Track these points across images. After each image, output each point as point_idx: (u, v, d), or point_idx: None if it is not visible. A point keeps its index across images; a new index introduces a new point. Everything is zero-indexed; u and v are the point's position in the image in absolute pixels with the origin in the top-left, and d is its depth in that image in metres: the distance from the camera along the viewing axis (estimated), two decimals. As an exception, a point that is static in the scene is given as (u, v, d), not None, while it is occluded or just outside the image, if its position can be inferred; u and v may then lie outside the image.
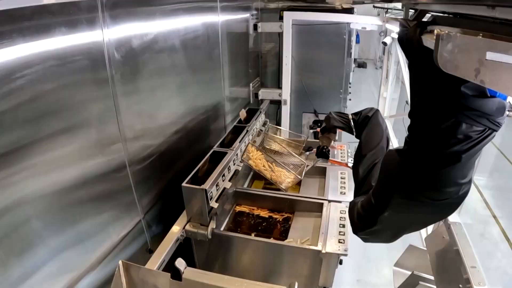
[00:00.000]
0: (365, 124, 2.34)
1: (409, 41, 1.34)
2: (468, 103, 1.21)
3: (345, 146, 3.44)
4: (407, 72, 4.10)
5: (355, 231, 1.94)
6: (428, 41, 1.20)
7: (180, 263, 1.40)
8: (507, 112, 1.26)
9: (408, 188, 1.52)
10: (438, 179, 1.43)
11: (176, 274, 1.40)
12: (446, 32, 1.00)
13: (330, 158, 2.77)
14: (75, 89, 1.47)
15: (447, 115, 1.28)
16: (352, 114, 2.46)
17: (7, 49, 1.14)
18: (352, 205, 2.01)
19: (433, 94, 1.32)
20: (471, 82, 0.91)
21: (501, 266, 4.22)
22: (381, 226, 1.74)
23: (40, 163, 1.33)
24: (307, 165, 2.74)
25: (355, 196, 2.19)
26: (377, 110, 2.38)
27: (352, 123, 2.42)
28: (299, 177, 2.52)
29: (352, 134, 2.45)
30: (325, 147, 2.70)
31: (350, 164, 2.95)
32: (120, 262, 1.42)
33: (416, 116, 1.46)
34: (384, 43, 4.37)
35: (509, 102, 1.28)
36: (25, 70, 1.22)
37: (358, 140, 2.38)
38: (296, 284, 1.36)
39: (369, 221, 1.77)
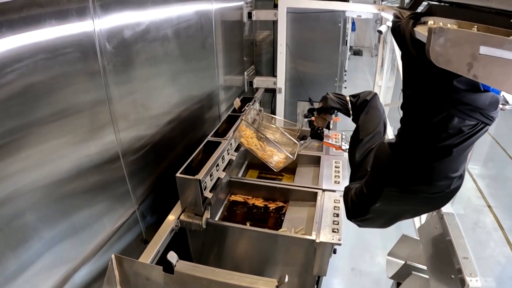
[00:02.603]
0: (363, 107, 2.30)
1: (402, 33, 1.31)
2: (461, 97, 1.18)
3: (339, 135, 3.44)
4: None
5: (348, 217, 1.94)
6: (421, 34, 1.17)
7: (171, 256, 1.41)
8: (500, 106, 1.23)
9: (399, 181, 1.53)
10: (429, 173, 1.43)
11: (168, 267, 1.41)
12: (440, 25, 0.98)
13: (324, 140, 2.73)
14: (66, 81, 1.45)
15: (439, 109, 1.25)
16: (350, 96, 2.40)
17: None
18: (346, 190, 2.01)
19: (425, 88, 1.29)
20: (463, 76, 0.89)
21: (494, 255, 4.27)
22: (374, 215, 1.75)
23: (33, 156, 1.32)
24: (300, 145, 2.73)
25: (350, 180, 2.17)
26: (376, 94, 2.34)
27: (350, 105, 2.35)
28: (291, 156, 2.47)
29: (349, 116, 2.40)
30: (320, 128, 2.61)
31: (344, 148, 2.96)
32: (112, 255, 1.43)
33: (408, 109, 1.44)
34: (380, 31, 4.36)
35: (502, 95, 1.28)
36: (15, 63, 1.20)
37: (352, 130, 2.35)
38: (287, 276, 1.36)
39: (362, 210, 1.78)
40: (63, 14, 1.38)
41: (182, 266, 1.43)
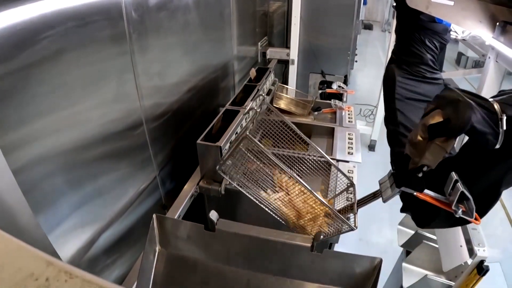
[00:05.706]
0: None
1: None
2: (425, 24, 1.89)
3: (352, 108, 3.45)
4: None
5: None
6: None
7: (213, 214, 1.45)
8: (453, 36, 2.09)
9: None
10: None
11: (210, 225, 1.46)
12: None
13: (426, 192, 1.23)
14: (94, 46, 1.48)
15: (414, 31, 1.94)
16: (496, 101, 1.03)
17: (29, 7, 1.14)
18: None
19: (406, 20, 1.98)
20: (425, 14, 1.73)
21: (496, 234, 4.35)
22: None
23: (61, 119, 1.35)
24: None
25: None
26: None
27: (502, 127, 1.00)
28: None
29: (493, 146, 1.03)
30: (426, 167, 1.14)
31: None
32: (154, 215, 1.45)
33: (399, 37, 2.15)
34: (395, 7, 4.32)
35: (452, 28, 2.14)
36: (48, 30, 1.22)
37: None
38: (322, 234, 1.42)
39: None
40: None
41: (223, 224, 1.48)
